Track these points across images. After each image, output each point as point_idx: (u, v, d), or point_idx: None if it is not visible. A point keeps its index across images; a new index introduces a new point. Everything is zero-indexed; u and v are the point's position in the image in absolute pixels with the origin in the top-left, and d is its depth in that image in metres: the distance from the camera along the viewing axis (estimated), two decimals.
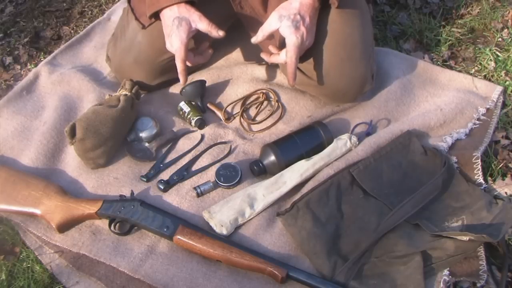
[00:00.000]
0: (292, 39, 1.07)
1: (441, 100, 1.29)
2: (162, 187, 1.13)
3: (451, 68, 1.42)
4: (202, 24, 1.11)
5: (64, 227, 1.06)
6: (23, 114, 1.30)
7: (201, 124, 1.25)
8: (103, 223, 1.08)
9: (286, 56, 1.09)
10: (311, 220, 1.03)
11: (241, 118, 1.28)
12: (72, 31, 1.62)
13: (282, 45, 1.13)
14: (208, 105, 1.31)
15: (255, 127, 1.27)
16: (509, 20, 1.55)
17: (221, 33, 1.13)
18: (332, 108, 1.27)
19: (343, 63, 1.16)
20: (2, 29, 1.62)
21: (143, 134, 1.21)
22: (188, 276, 1.00)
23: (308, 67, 1.18)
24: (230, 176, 1.13)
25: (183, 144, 1.23)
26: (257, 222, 1.07)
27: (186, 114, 1.26)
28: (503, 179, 1.14)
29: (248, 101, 1.31)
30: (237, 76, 1.37)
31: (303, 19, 1.07)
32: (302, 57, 1.17)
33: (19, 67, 1.50)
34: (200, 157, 1.20)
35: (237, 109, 1.30)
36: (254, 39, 1.13)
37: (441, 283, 0.98)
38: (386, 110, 1.27)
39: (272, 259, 0.98)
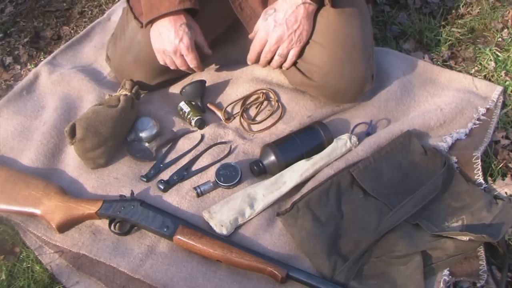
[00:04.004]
0: (259, 30, 1.15)
1: (441, 100, 1.29)
2: (162, 187, 1.13)
3: (451, 68, 1.42)
4: (201, 37, 1.19)
5: (64, 227, 1.06)
6: (23, 114, 1.30)
7: (201, 124, 1.25)
8: (103, 223, 1.08)
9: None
10: (311, 220, 1.03)
11: (241, 118, 1.28)
12: (72, 31, 1.62)
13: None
14: (208, 105, 1.31)
15: (255, 127, 1.27)
16: (509, 20, 1.55)
17: (209, 51, 1.24)
18: (332, 108, 1.27)
19: (343, 63, 1.16)
20: (2, 29, 1.62)
21: (143, 134, 1.21)
22: (188, 276, 1.00)
23: (308, 68, 1.18)
24: (230, 176, 1.13)
25: (183, 144, 1.23)
26: (257, 222, 1.07)
27: (186, 114, 1.26)
28: (503, 179, 1.14)
29: (248, 101, 1.31)
30: (237, 76, 1.37)
31: (276, 13, 1.12)
32: (302, 57, 1.17)
33: (19, 67, 1.50)
34: (200, 157, 1.20)
35: (237, 109, 1.30)
36: (251, 35, 1.21)
37: (441, 283, 0.98)
38: (386, 110, 1.27)
39: (272, 259, 0.98)
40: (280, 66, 1.21)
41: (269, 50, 1.15)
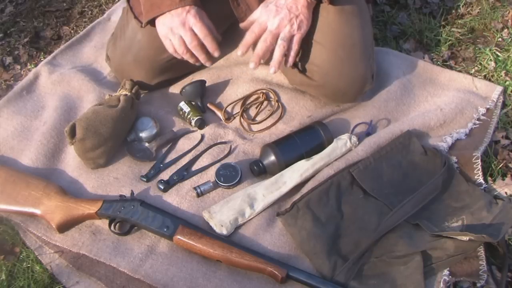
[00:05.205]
0: (260, 15, 1.11)
1: (441, 100, 1.29)
2: (162, 187, 1.13)
3: (451, 68, 1.42)
4: (208, 20, 1.15)
5: (64, 227, 1.06)
6: (23, 114, 1.30)
7: (201, 124, 1.25)
8: (103, 223, 1.08)
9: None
10: (311, 220, 1.03)
11: (241, 118, 1.28)
12: (72, 31, 1.62)
13: None
14: (208, 105, 1.31)
15: (255, 127, 1.27)
16: (509, 20, 1.55)
17: (219, 36, 1.19)
18: (332, 108, 1.27)
19: (343, 63, 1.16)
20: (2, 29, 1.62)
21: (143, 134, 1.21)
22: (188, 276, 1.00)
23: (307, 67, 1.18)
24: (230, 176, 1.13)
25: (183, 144, 1.23)
26: (257, 222, 1.07)
27: (186, 114, 1.26)
28: (503, 179, 1.14)
29: (248, 101, 1.31)
30: (237, 76, 1.37)
31: (276, 1, 1.10)
32: (302, 56, 1.17)
33: (19, 67, 1.50)
34: (200, 157, 1.20)
35: (237, 109, 1.30)
36: (243, 24, 1.18)
37: (441, 283, 0.98)
38: (386, 110, 1.27)
39: (272, 259, 0.98)
40: (284, 65, 1.16)
41: (270, 33, 1.09)
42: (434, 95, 1.31)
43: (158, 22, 1.15)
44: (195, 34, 1.13)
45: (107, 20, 1.59)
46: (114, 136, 1.16)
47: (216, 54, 1.16)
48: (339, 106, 1.28)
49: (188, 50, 1.15)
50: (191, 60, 1.19)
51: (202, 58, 1.17)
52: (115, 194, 1.12)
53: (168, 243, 1.04)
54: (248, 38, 1.11)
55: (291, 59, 1.13)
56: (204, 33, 1.12)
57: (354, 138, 1.16)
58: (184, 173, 1.16)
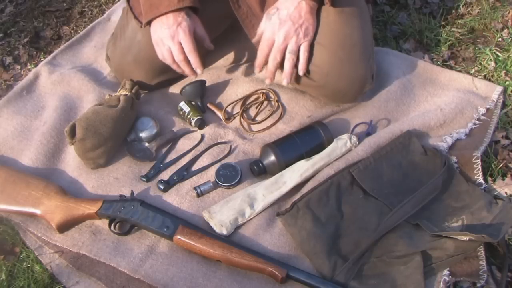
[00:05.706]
0: (265, 31, 1.12)
1: (441, 100, 1.29)
2: (162, 187, 1.13)
3: (451, 68, 1.42)
4: (201, 29, 1.18)
5: (64, 227, 1.06)
6: (23, 114, 1.30)
7: (201, 124, 1.25)
8: (103, 223, 1.08)
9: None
10: (311, 220, 1.03)
11: (241, 118, 1.28)
12: (72, 31, 1.62)
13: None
14: (208, 105, 1.31)
15: (255, 127, 1.27)
16: (509, 20, 1.55)
17: (211, 46, 1.22)
18: (332, 108, 1.27)
19: (343, 63, 1.16)
20: (2, 29, 1.62)
21: (143, 134, 1.21)
22: (188, 276, 1.00)
23: (308, 68, 1.18)
24: (230, 176, 1.13)
25: (183, 144, 1.23)
26: (257, 222, 1.07)
27: (186, 114, 1.26)
28: (503, 179, 1.14)
29: (248, 101, 1.31)
30: (237, 76, 1.37)
31: (278, 11, 1.11)
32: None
33: (19, 67, 1.50)
34: (200, 157, 1.20)
35: (237, 109, 1.30)
36: (255, 39, 1.18)
37: (441, 283, 0.98)
38: (386, 110, 1.27)
39: (272, 259, 0.98)
40: (296, 76, 1.18)
41: (278, 49, 1.12)
42: (434, 95, 1.31)
43: (152, 26, 1.17)
44: (183, 49, 1.16)
45: (107, 20, 1.59)
46: (114, 136, 1.16)
47: (199, 71, 1.19)
48: (339, 106, 1.28)
49: (175, 61, 1.18)
50: (178, 70, 1.21)
51: (187, 71, 1.20)
52: (115, 194, 1.12)
53: (168, 243, 1.04)
54: (260, 57, 1.16)
55: (302, 67, 1.15)
56: (190, 49, 1.15)
57: (354, 138, 1.16)
58: (184, 173, 1.16)
